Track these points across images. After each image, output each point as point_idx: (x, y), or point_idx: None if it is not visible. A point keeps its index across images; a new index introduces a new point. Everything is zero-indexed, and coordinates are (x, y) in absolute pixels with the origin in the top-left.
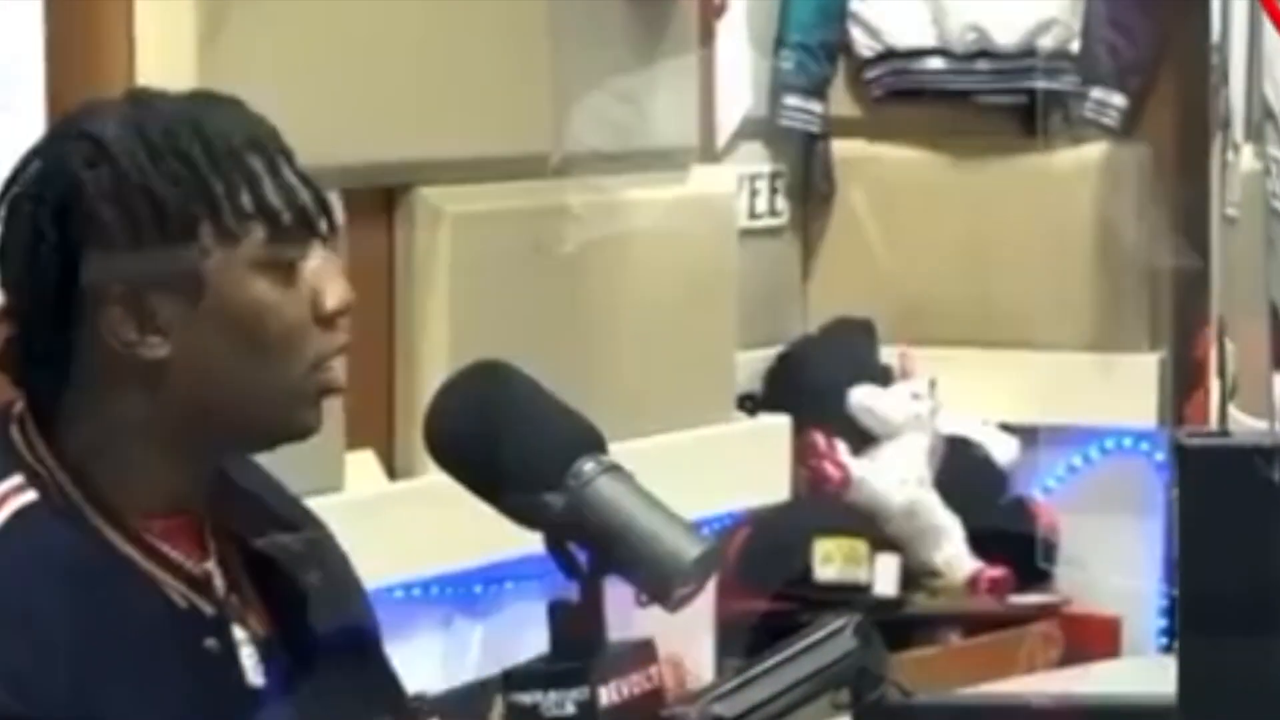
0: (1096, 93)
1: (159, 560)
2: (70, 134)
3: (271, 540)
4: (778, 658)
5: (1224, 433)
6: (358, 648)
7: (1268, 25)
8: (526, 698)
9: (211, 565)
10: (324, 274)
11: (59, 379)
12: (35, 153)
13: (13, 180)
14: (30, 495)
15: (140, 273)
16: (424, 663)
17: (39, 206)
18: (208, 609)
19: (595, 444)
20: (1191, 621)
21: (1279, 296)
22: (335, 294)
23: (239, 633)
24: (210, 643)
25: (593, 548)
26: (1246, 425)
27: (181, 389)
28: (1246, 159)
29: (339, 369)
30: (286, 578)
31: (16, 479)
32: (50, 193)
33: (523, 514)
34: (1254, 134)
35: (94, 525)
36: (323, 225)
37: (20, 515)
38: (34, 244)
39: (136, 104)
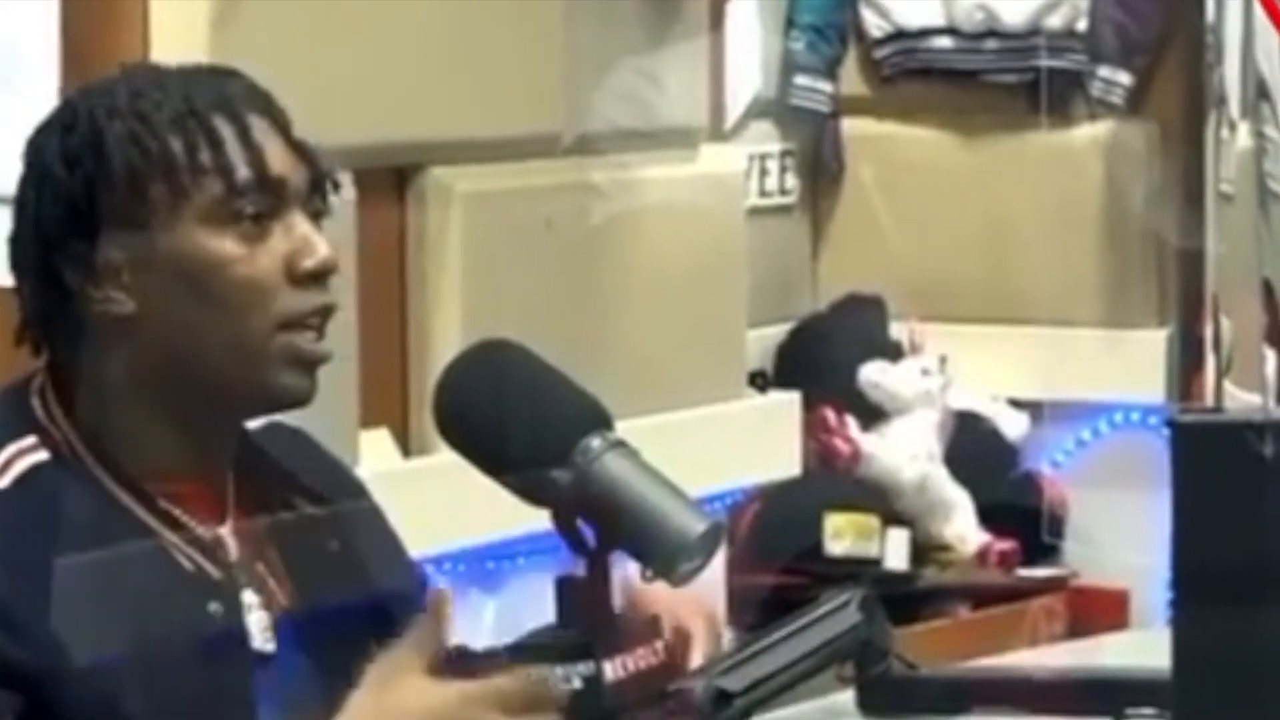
0: (1103, 71)
1: (168, 522)
2: (60, 105)
3: (294, 511)
4: (782, 632)
5: (1218, 409)
6: (379, 618)
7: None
8: (533, 672)
9: (225, 531)
10: (304, 236)
11: (61, 344)
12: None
13: None
14: (42, 455)
15: (96, 229)
16: None
17: (26, 174)
18: (215, 572)
19: (602, 421)
20: (1186, 596)
21: (1273, 274)
22: (313, 255)
23: (250, 598)
24: (214, 606)
25: (599, 524)
26: (1243, 400)
27: (151, 344)
28: (1242, 137)
29: (318, 332)
30: (308, 548)
31: (30, 439)
32: (31, 160)
33: (530, 491)
34: (1249, 112)
35: (104, 485)
36: (302, 189)
37: (31, 473)
38: (20, 210)
39: (126, 74)
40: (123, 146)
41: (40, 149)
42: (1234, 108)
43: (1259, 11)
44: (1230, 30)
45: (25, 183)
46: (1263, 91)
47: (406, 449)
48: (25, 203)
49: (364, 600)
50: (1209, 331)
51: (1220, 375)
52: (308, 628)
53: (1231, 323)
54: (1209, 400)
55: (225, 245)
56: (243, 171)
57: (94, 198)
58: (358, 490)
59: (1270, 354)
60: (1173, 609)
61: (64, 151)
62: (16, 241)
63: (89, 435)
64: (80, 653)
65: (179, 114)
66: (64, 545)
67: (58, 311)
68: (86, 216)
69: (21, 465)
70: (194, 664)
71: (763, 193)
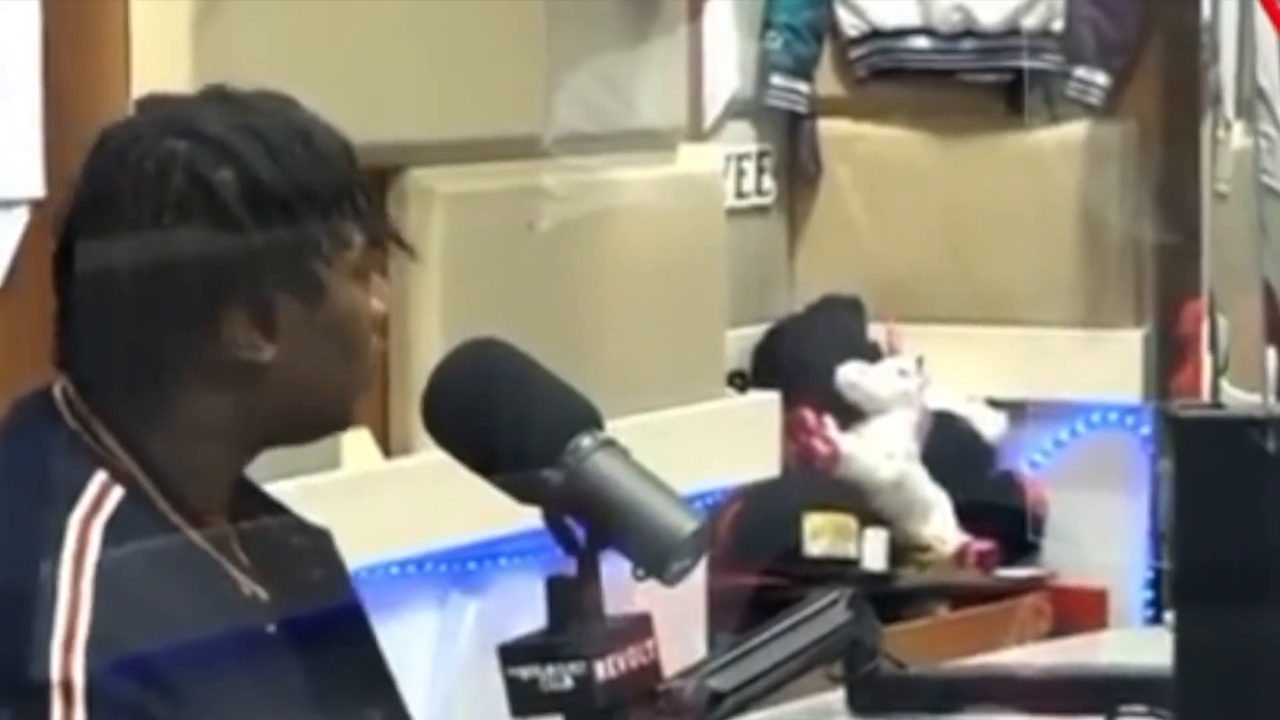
0: (1080, 71)
1: (221, 549)
2: (177, 131)
3: (278, 537)
4: (772, 631)
5: (1217, 405)
6: (355, 642)
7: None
8: (524, 672)
9: (242, 555)
10: (378, 282)
11: (126, 370)
12: (138, 151)
13: (99, 179)
14: (119, 490)
15: (267, 276)
16: (419, 639)
17: (161, 211)
18: (263, 594)
19: (592, 420)
20: (1187, 593)
21: (1271, 272)
22: (386, 299)
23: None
24: (272, 628)
25: (590, 523)
26: (1235, 398)
27: (273, 393)
28: (1237, 136)
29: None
30: (299, 569)
31: (102, 474)
32: (173, 195)
33: (521, 490)
34: (1244, 111)
35: (169, 518)
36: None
37: (120, 512)
38: (145, 244)
39: (232, 103)
40: (299, 196)
41: (177, 179)
42: (1229, 107)
43: (1257, 10)
44: (1225, 29)
45: (160, 217)
46: (1258, 91)
47: (388, 449)
48: (159, 237)
49: (349, 619)
50: (1205, 330)
51: (1217, 373)
52: (308, 647)
53: (1227, 321)
54: (1205, 397)
55: (361, 296)
56: (380, 224)
57: (270, 245)
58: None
59: (1271, 352)
60: (1174, 606)
61: (232, 192)
62: (129, 271)
63: (153, 466)
64: (188, 687)
65: (332, 162)
66: (168, 584)
67: (155, 346)
68: (260, 262)
69: (111, 503)
70: (269, 685)
71: (739, 193)
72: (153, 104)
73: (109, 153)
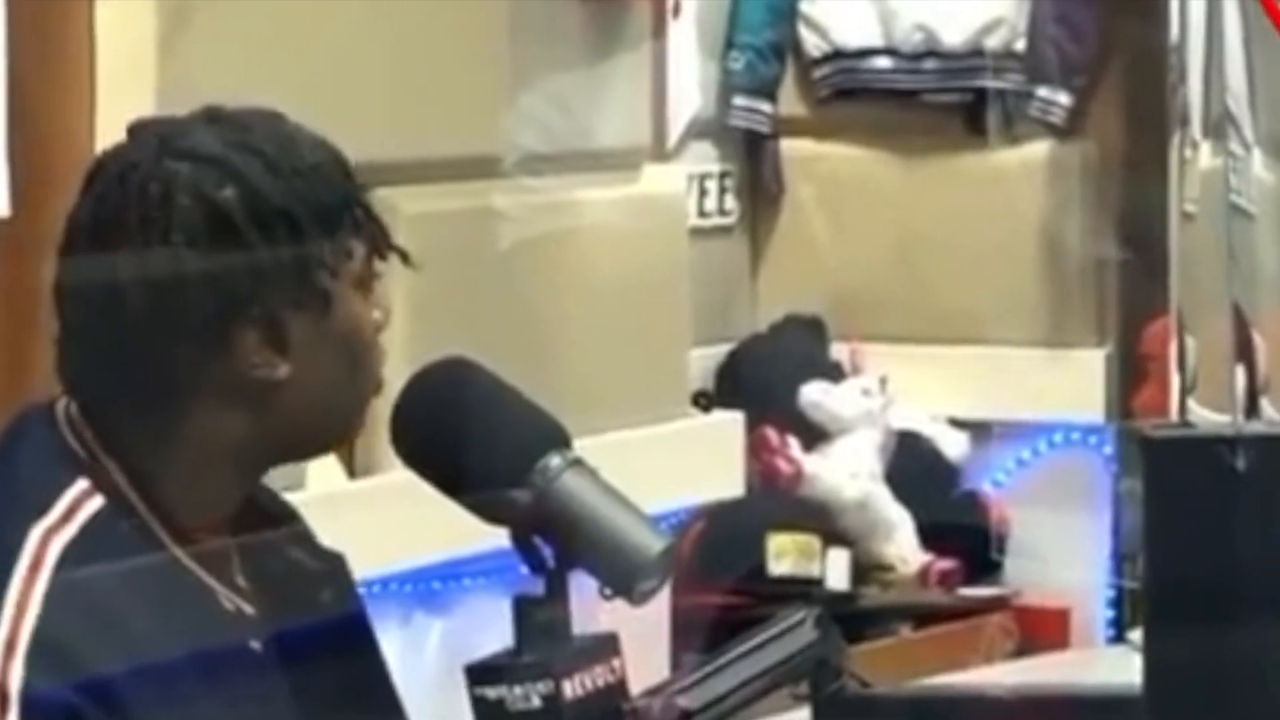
0: (1042, 91)
1: (206, 565)
2: (176, 153)
3: (280, 555)
4: (739, 650)
5: (1187, 424)
6: (358, 665)
7: (1227, 24)
8: (491, 692)
9: (235, 570)
10: (378, 288)
11: (135, 392)
12: (138, 176)
13: (100, 205)
14: (98, 500)
15: (276, 293)
16: None
17: (167, 234)
18: (249, 609)
19: (561, 440)
20: (1157, 612)
21: (1240, 292)
22: (382, 309)
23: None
24: (255, 645)
25: (558, 542)
26: (1202, 417)
27: (287, 409)
28: (1205, 156)
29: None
30: (290, 592)
31: (83, 483)
32: (178, 218)
33: (488, 510)
34: (1213, 131)
35: (154, 532)
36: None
37: (94, 522)
38: (154, 267)
39: (224, 122)
40: (301, 209)
41: (198, 194)
42: (1196, 127)
43: (1226, 29)
44: (1193, 49)
45: (167, 237)
46: (1227, 112)
47: (352, 470)
48: (165, 257)
49: (351, 641)
50: (1173, 349)
51: (1185, 393)
52: (301, 666)
53: (1195, 340)
54: (1173, 416)
55: (364, 306)
56: (380, 233)
57: (277, 262)
58: (297, 516)
59: (1240, 370)
60: (1144, 624)
61: (237, 209)
62: (131, 291)
63: (140, 480)
64: (137, 699)
65: (329, 173)
66: (129, 596)
67: (158, 364)
68: (268, 279)
69: (84, 513)
70: (245, 701)
71: (702, 213)
72: (145, 128)
73: (109, 179)
